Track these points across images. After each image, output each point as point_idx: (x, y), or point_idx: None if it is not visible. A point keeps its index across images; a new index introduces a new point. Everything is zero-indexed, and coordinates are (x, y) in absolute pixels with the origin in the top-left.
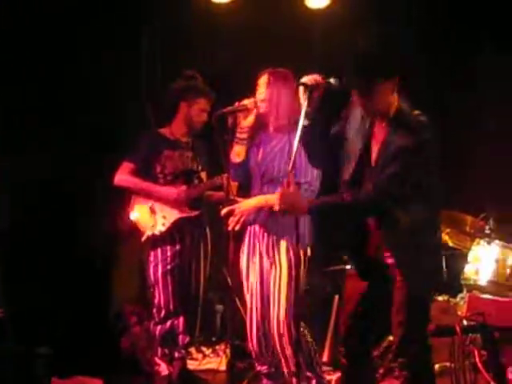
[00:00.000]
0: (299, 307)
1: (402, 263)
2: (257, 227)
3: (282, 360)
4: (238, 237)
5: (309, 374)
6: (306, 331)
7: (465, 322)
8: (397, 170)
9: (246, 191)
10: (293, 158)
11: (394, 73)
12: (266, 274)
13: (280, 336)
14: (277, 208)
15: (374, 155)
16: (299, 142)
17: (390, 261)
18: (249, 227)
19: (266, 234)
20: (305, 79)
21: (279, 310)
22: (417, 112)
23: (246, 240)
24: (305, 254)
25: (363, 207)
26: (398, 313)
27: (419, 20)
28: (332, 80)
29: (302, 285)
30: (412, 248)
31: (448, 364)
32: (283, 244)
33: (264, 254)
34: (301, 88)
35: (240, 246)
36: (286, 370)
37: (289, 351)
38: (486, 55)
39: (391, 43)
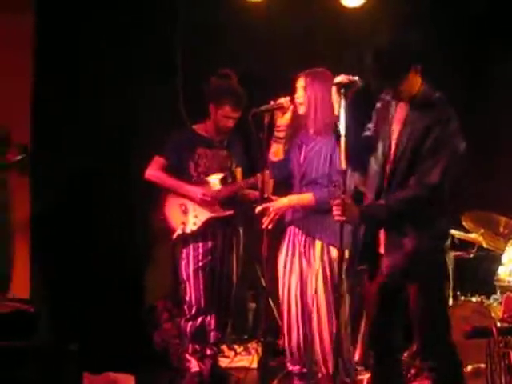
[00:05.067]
0: (339, 307)
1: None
2: (296, 228)
3: (321, 361)
4: (274, 235)
5: (347, 379)
6: (347, 334)
7: (498, 324)
8: (432, 158)
9: (283, 190)
10: (343, 165)
11: (414, 61)
12: (305, 274)
13: (321, 337)
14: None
15: (394, 135)
16: (338, 145)
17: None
18: (288, 228)
19: (303, 235)
20: (339, 79)
21: (318, 311)
22: (439, 93)
23: (286, 239)
24: (340, 255)
25: (410, 205)
26: (416, 316)
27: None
28: (357, 78)
29: (340, 287)
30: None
31: (482, 365)
32: (318, 244)
33: (303, 255)
34: (334, 88)
35: (273, 244)
36: (321, 373)
37: (329, 353)
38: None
39: (409, 35)
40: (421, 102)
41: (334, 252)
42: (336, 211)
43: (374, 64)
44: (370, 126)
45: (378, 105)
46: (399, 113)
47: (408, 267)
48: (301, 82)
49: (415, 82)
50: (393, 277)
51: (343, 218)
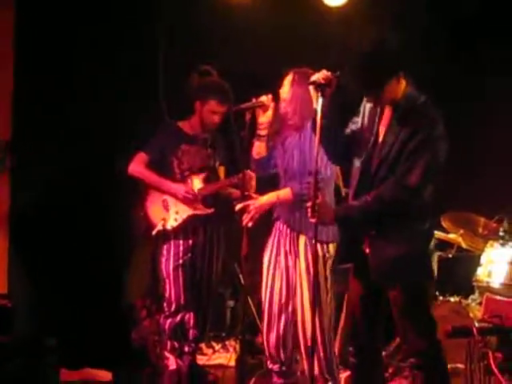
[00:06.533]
0: (324, 305)
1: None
2: (282, 224)
3: (305, 358)
4: (255, 234)
5: (328, 376)
6: (330, 333)
7: (477, 324)
8: (413, 161)
9: (268, 188)
10: (315, 164)
11: (397, 70)
12: (291, 270)
13: (304, 334)
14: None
15: (380, 138)
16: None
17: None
18: (275, 224)
19: (289, 230)
20: (315, 77)
21: (303, 306)
22: (424, 97)
23: (272, 236)
24: (324, 250)
25: (388, 206)
26: (400, 315)
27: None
28: (338, 73)
29: (325, 283)
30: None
31: (459, 365)
32: (302, 239)
33: (288, 252)
34: (311, 87)
35: (256, 241)
36: (301, 371)
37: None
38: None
39: (392, 41)
40: (405, 106)
41: (319, 248)
42: (308, 212)
43: (354, 72)
44: (356, 120)
45: (366, 103)
46: (386, 114)
47: (392, 268)
48: (289, 78)
49: (398, 87)
50: (377, 276)
51: (314, 220)
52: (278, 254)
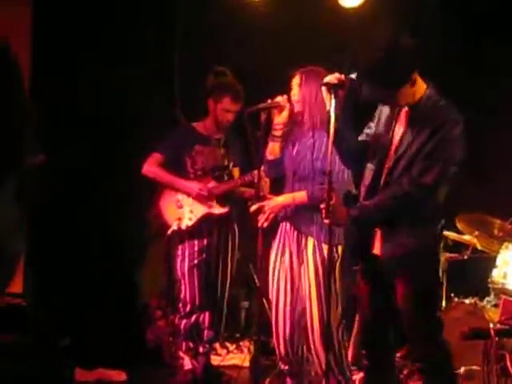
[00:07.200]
0: (333, 307)
1: (402, 263)
2: (288, 225)
3: (316, 360)
4: (267, 234)
5: (340, 377)
6: (341, 333)
7: (494, 326)
8: (430, 162)
9: (280, 188)
10: (328, 167)
11: (412, 70)
12: (295, 271)
13: (313, 336)
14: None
15: (395, 140)
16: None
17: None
18: (281, 224)
19: (295, 232)
20: (328, 78)
21: (311, 309)
22: (445, 100)
23: (277, 238)
24: (332, 252)
25: (401, 203)
26: (406, 315)
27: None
28: (353, 76)
29: (334, 285)
30: (412, 244)
31: (474, 367)
32: (310, 241)
33: (294, 253)
34: (324, 88)
35: (266, 242)
36: (314, 371)
37: (321, 352)
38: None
39: (407, 41)
40: (425, 107)
41: (327, 249)
42: (322, 213)
43: (369, 73)
44: (371, 124)
45: (382, 107)
46: (403, 115)
47: (401, 260)
48: (296, 80)
49: (416, 89)
50: (385, 268)
51: (328, 221)
52: (282, 255)
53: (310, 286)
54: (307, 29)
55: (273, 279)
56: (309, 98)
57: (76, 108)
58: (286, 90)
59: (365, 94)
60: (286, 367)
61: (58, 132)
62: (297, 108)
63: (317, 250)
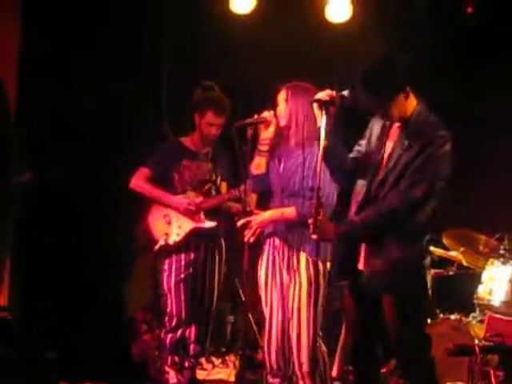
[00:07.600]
0: (318, 322)
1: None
2: (277, 240)
3: (299, 375)
4: (253, 249)
5: None
6: (323, 348)
7: (478, 342)
8: (419, 177)
9: (265, 203)
10: (317, 183)
11: (403, 85)
12: (286, 288)
13: (299, 351)
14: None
15: (386, 155)
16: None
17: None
18: (268, 239)
19: (285, 247)
20: (319, 95)
21: (299, 325)
22: (434, 116)
23: (266, 252)
24: (324, 267)
25: (388, 221)
26: (392, 331)
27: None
28: (345, 93)
29: (322, 299)
30: (398, 259)
31: (459, 383)
32: (303, 257)
33: (284, 268)
34: (315, 105)
35: (255, 257)
36: None
37: (306, 367)
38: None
39: (397, 56)
40: (415, 123)
41: (319, 265)
42: (310, 229)
43: (360, 88)
44: (362, 142)
45: (372, 124)
46: (393, 130)
47: (387, 275)
48: (282, 95)
49: (407, 104)
50: (372, 283)
51: (315, 236)
52: (273, 269)
53: (300, 301)
54: (295, 44)
55: (265, 295)
56: (295, 113)
57: (63, 123)
58: (273, 105)
59: (361, 105)
60: (276, 381)
61: (45, 147)
62: (282, 123)
63: (310, 265)
